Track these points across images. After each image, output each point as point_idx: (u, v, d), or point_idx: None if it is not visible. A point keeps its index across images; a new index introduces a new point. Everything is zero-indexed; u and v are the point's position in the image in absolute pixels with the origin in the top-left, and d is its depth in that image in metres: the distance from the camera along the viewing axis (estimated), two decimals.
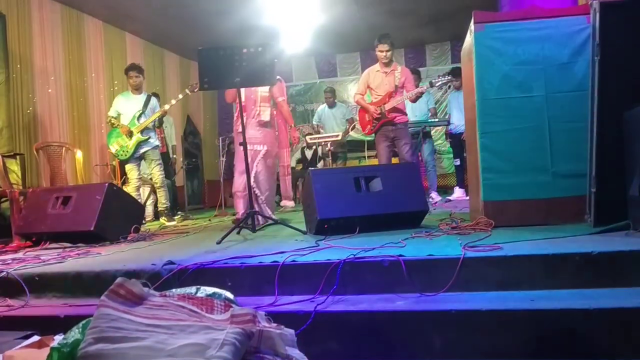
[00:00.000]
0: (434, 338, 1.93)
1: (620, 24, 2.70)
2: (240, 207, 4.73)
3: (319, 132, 8.20)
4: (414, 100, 5.76)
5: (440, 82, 5.76)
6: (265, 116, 4.79)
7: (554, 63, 3.14)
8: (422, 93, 5.68)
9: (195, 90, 5.75)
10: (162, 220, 6.08)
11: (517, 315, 1.89)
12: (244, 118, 4.39)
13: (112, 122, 5.98)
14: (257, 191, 4.62)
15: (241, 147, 4.38)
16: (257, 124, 4.73)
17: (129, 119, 5.93)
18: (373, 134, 5.78)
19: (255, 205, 4.39)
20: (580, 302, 1.90)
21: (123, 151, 5.87)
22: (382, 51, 5.53)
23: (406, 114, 5.74)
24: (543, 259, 2.14)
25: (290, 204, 6.86)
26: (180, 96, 6.01)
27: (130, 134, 5.86)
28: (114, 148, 5.93)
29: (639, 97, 2.55)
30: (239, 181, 4.71)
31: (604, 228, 2.65)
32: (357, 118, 6.28)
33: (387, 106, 5.50)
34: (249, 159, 4.37)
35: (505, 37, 3.19)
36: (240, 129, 4.39)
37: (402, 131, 5.60)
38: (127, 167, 6.00)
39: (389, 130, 5.57)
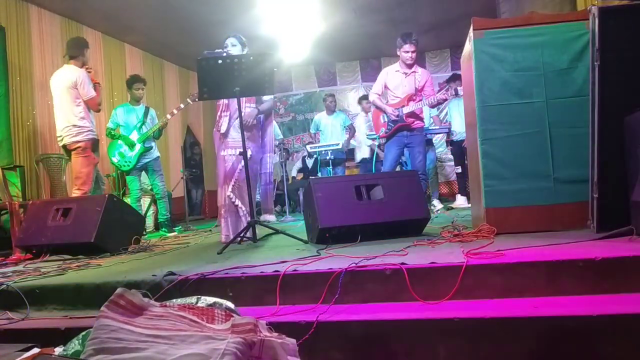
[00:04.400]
0: (438, 346, 1.91)
1: (620, 29, 2.70)
2: (225, 228, 4.23)
3: (318, 141, 8.17)
4: (434, 106, 5.55)
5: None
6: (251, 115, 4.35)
7: (554, 69, 3.14)
8: (445, 100, 5.43)
9: (197, 100, 5.77)
10: (162, 231, 6.06)
11: (521, 323, 1.87)
12: (229, 118, 4.31)
13: (112, 133, 5.99)
14: (237, 202, 4.22)
15: (223, 153, 4.30)
16: (240, 125, 3.92)
17: (129, 131, 5.94)
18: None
19: (237, 220, 4.18)
20: (584, 309, 1.88)
21: (125, 162, 5.88)
22: (407, 52, 5.28)
23: (423, 120, 5.52)
24: (546, 265, 2.13)
25: (271, 218, 6.37)
26: (182, 105, 6.03)
27: (132, 145, 5.86)
28: (115, 159, 5.94)
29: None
30: (223, 195, 4.29)
31: (606, 234, 2.62)
32: (372, 120, 5.99)
33: (406, 110, 5.24)
34: (230, 165, 4.24)
35: (505, 44, 3.19)
36: (223, 130, 4.31)
37: (418, 138, 5.37)
38: (128, 178, 6.01)
39: (403, 135, 5.33)
